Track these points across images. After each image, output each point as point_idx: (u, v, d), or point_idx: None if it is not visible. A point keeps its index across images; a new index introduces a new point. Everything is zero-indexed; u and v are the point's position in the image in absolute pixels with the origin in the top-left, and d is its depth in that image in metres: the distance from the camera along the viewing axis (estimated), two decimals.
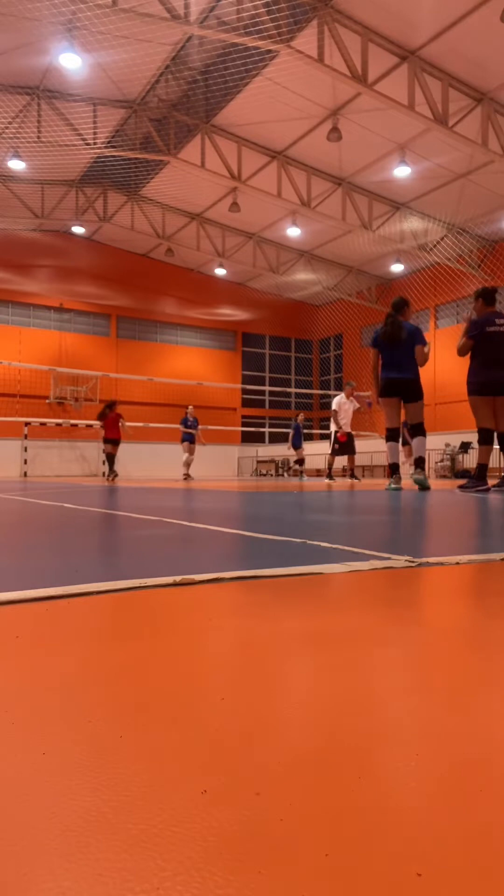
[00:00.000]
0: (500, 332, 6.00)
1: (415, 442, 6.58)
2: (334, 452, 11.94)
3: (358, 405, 11.78)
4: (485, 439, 6.13)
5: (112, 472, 13.89)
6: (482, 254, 19.80)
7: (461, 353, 6.20)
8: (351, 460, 12.06)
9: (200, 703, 0.58)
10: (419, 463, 6.49)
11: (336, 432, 11.79)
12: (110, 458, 13.98)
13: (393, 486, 6.39)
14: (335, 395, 12.16)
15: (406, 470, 8.67)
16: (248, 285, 25.24)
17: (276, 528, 2.27)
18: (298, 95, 13.39)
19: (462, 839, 0.36)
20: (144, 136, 15.20)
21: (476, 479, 6.11)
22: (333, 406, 11.75)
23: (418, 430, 6.52)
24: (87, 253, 22.37)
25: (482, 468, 6.11)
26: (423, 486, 6.29)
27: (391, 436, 6.66)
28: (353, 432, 11.98)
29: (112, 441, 13.86)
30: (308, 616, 0.94)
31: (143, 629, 0.87)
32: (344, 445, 11.74)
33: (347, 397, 11.79)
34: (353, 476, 12.17)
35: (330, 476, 12.16)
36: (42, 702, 0.59)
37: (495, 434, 6.13)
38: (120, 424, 13.72)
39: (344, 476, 13.04)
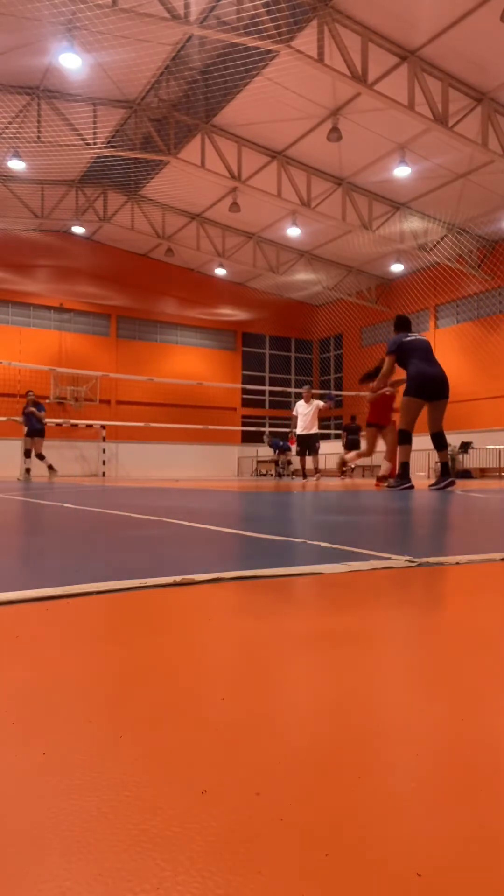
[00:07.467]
0: (418, 338, 6.87)
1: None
2: (297, 453, 13.02)
3: (322, 404, 12.51)
4: (402, 439, 6.83)
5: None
6: (482, 254, 19.80)
7: (387, 375, 7.14)
8: (305, 461, 12.74)
9: (200, 703, 0.58)
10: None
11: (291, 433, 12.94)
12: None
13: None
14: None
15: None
16: (248, 285, 25.21)
17: (276, 527, 2.27)
18: (298, 95, 13.38)
19: (462, 839, 0.36)
20: (144, 136, 15.19)
21: (400, 477, 6.78)
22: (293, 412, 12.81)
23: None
24: (87, 253, 22.34)
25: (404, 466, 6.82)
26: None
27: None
28: (316, 432, 12.70)
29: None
30: (308, 616, 0.94)
31: (144, 629, 0.87)
32: (300, 447, 12.62)
33: (306, 401, 12.56)
34: (302, 476, 12.98)
35: (304, 475, 13.03)
36: (42, 702, 0.59)
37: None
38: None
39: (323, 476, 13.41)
